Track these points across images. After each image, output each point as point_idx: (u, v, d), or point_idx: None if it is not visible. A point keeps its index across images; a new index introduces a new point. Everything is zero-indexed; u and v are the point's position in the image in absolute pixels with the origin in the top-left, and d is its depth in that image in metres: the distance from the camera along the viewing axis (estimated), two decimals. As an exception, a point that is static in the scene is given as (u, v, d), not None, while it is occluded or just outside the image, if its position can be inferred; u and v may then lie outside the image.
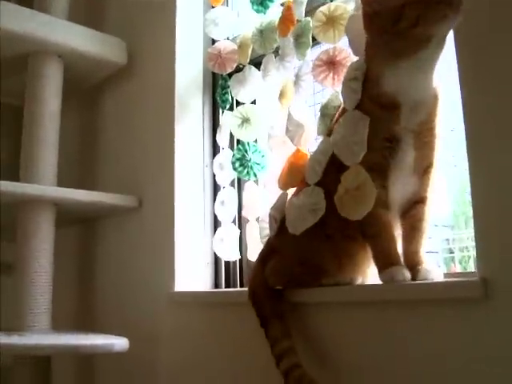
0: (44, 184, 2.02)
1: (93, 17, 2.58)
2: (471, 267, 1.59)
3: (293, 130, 1.57)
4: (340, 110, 1.41)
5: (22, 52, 2.11)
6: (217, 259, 2.03)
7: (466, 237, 1.69)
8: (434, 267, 1.25)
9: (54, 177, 2.09)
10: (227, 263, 2.02)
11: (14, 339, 1.71)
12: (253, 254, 1.77)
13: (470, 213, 1.18)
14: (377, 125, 1.24)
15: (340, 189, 1.29)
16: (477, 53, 1.20)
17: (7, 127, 2.61)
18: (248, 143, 1.80)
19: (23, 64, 2.15)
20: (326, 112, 1.48)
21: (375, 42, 1.26)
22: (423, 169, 1.27)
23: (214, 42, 2.03)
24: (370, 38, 1.27)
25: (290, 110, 1.60)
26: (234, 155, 1.82)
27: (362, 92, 1.28)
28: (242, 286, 1.97)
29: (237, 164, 1.80)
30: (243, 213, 1.83)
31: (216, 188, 2.05)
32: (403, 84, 1.22)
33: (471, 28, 1.19)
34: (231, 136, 1.89)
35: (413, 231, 1.29)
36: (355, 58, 1.40)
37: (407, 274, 1.22)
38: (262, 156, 1.79)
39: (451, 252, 1.77)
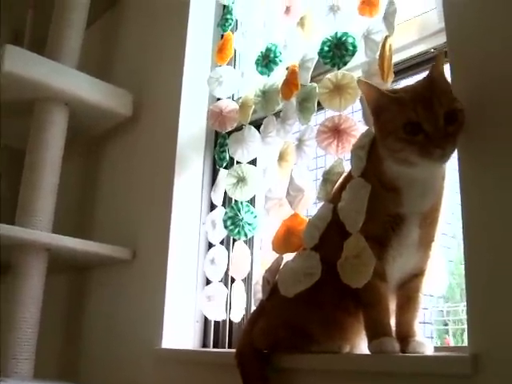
0: (39, 229, 2.01)
1: (102, 67, 2.63)
2: (465, 341, 1.56)
3: (293, 194, 1.57)
4: (344, 176, 1.41)
5: (28, 97, 2.15)
6: (206, 318, 1.99)
7: (461, 310, 1.67)
8: (426, 340, 1.23)
9: (50, 222, 2.09)
10: (217, 323, 1.99)
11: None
12: (236, 315, 1.75)
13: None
14: (379, 201, 1.23)
15: (342, 256, 1.28)
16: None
17: (7, 170, 2.62)
18: (241, 203, 1.80)
19: (28, 108, 2.18)
20: (328, 178, 1.48)
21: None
22: (427, 244, 1.26)
23: (218, 100, 2.05)
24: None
25: (293, 173, 1.60)
26: (226, 213, 1.81)
27: (371, 164, 1.28)
28: (230, 346, 1.93)
29: (228, 222, 1.80)
30: (230, 272, 1.82)
31: (211, 246, 2.02)
32: (405, 176, 1.20)
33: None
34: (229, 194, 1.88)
35: (408, 302, 1.27)
36: (361, 127, 1.41)
37: (396, 346, 1.19)
38: (255, 217, 1.79)
39: (445, 324, 1.74)
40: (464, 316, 1.43)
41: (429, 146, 1.11)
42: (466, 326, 1.16)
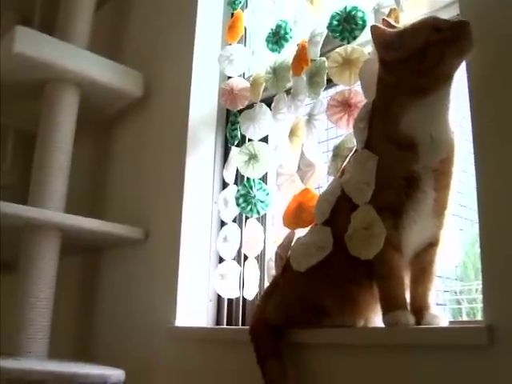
0: (51, 209, 2.02)
1: (112, 48, 2.63)
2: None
3: (304, 169, 1.56)
4: (353, 152, 1.41)
5: (39, 78, 2.14)
6: (220, 296, 2.00)
7: (475, 288, 1.67)
8: (440, 313, 1.22)
9: (62, 203, 2.09)
10: (230, 300, 1.99)
11: (9, 363, 1.68)
12: (250, 292, 1.76)
13: (479, 265, 1.16)
14: (394, 164, 1.23)
15: (349, 228, 1.28)
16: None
17: (19, 152, 2.63)
18: (253, 180, 1.79)
19: (39, 90, 2.17)
20: (338, 153, 1.47)
21: (397, 84, 1.25)
22: (441, 211, 1.25)
23: (229, 78, 2.03)
24: (390, 80, 1.26)
25: (304, 148, 1.59)
26: (238, 191, 1.81)
27: (377, 132, 1.28)
28: (243, 324, 1.93)
29: (240, 200, 1.79)
30: (243, 250, 1.82)
31: (223, 224, 2.02)
32: (422, 123, 1.21)
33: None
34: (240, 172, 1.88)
35: (422, 274, 1.26)
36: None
37: (411, 319, 1.19)
38: (267, 194, 1.78)
39: (459, 303, 1.74)
40: (478, 295, 1.42)
41: (459, 28, 1.17)
42: (479, 305, 1.16)
